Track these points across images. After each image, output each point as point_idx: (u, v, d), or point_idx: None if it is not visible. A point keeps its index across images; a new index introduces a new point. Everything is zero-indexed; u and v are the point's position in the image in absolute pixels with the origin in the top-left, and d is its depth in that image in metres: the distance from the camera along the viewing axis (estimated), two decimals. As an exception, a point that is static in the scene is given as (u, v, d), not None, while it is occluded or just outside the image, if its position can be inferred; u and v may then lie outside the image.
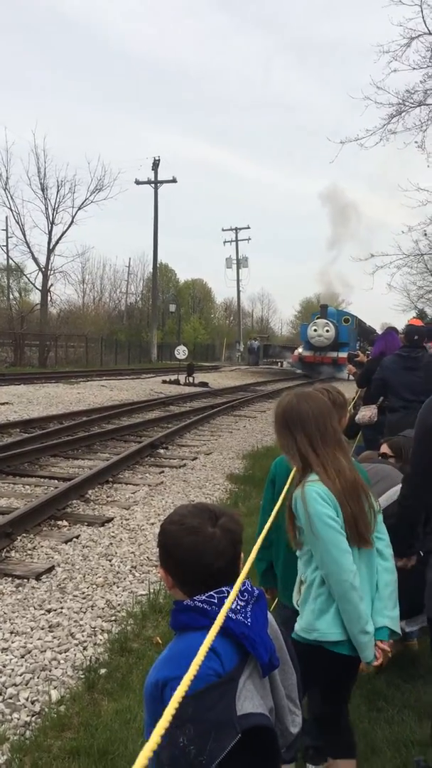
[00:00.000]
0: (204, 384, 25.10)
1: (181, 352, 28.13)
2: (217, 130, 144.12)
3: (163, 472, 8.95)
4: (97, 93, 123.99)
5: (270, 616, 1.61)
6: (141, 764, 0.77)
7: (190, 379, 25.46)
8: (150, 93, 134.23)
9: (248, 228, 60.02)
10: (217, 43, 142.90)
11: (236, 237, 59.41)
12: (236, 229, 59.29)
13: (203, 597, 1.48)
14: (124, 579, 4.98)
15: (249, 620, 1.48)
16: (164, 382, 25.53)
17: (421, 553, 2.80)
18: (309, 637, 2.19)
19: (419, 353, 5.69)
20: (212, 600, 1.47)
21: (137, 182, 44.13)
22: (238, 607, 1.49)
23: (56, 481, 7.94)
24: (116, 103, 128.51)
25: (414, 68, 13.07)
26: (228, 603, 1.36)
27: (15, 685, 3.41)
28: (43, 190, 39.58)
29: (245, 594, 1.52)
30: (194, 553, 1.50)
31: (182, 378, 25.69)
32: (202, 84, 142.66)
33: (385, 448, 3.97)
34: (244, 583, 1.53)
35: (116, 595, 4.66)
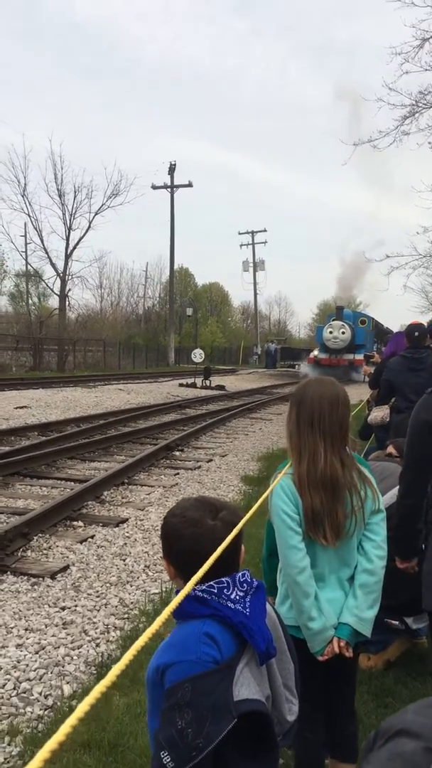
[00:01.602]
0: (221, 387, 25.17)
1: (198, 355, 28.23)
2: (233, 134, 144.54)
3: (178, 473, 9.02)
4: (112, 98, 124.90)
5: (269, 606, 1.66)
6: (83, 710, 0.82)
7: (207, 383, 25.55)
8: (165, 97, 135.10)
9: (265, 231, 60.16)
10: (232, 46, 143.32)
11: (253, 240, 59.53)
12: (253, 233, 59.42)
13: (203, 587, 1.53)
14: (138, 578, 5.05)
15: (248, 610, 1.53)
16: (181, 385, 25.64)
17: (423, 547, 2.81)
18: None
19: (423, 354, 5.68)
20: (212, 590, 1.52)
21: (153, 187, 44.41)
22: (237, 597, 1.54)
23: (72, 482, 8.04)
24: (132, 109, 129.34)
25: (426, 69, 13.01)
26: (198, 574, 1.41)
27: (29, 680, 3.49)
28: (60, 196, 39.93)
29: (244, 585, 1.57)
30: (195, 544, 1.55)
31: (199, 381, 25.78)
32: (218, 88, 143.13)
33: (391, 449, 4.00)
34: (243, 574, 1.59)
35: (129, 594, 4.73)
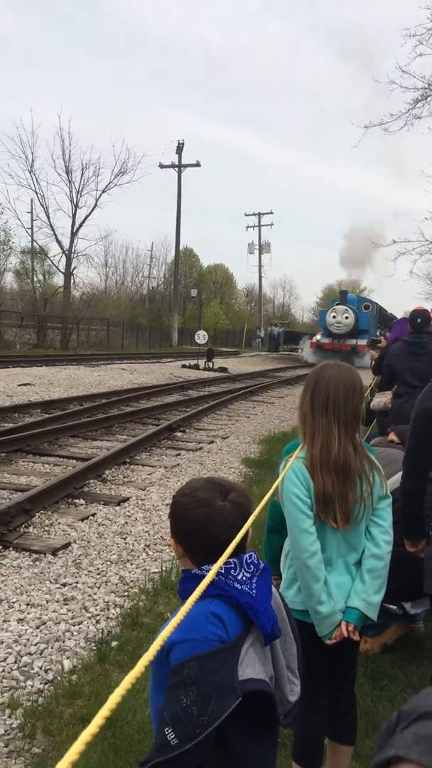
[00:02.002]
0: (223, 369, 25.16)
1: (201, 337, 28.17)
2: (242, 114, 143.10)
3: (179, 454, 9.05)
4: (122, 75, 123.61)
5: (274, 589, 1.67)
6: (117, 697, 0.83)
7: (210, 364, 25.53)
8: (175, 76, 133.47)
9: (271, 213, 59.82)
10: (244, 25, 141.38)
11: (259, 222, 59.16)
12: (259, 215, 59.02)
13: (210, 567, 1.54)
14: (138, 557, 5.08)
15: (254, 591, 1.54)
16: (184, 366, 25.63)
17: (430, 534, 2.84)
18: None
19: (424, 338, 5.72)
20: (219, 570, 1.54)
21: (161, 166, 44.05)
22: (244, 579, 1.55)
23: (75, 461, 8.07)
24: (141, 86, 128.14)
25: (441, 52, 12.82)
26: (217, 565, 1.42)
27: (30, 654, 3.53)
28: (67, 173, 39.74)
29: (251, 566, 1.58)
30: (203, 524, 1.56)
31: (202, 363, 25.75)
32: (228, 67, 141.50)
33: (392, 436, 4.00)
34: (250, 556, 1.60)
35: (129, 572, 4.77)
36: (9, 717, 2.98)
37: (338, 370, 2.33)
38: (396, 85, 13.05)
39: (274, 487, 2.16)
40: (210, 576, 1.39)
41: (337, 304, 32.14)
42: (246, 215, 59.60)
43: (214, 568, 1.41)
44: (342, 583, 2.28)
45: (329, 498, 2.22)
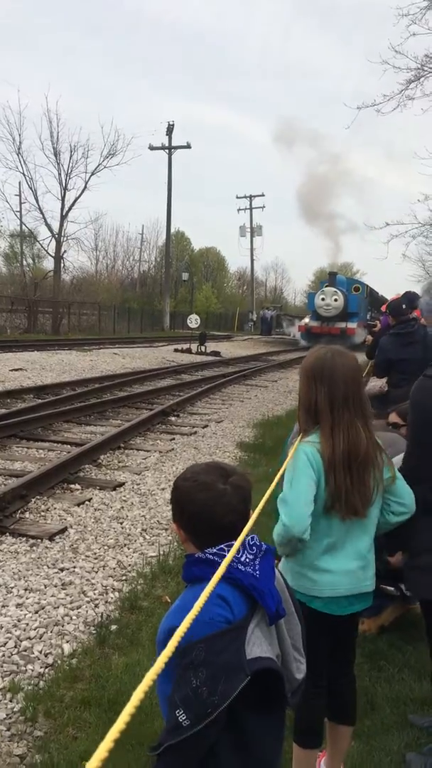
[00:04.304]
0: (216, 353, 25.14)
1: (194, 321, 28.07)
2: (233, 96, 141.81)
3: (174, 439, 9.05)
4: (111, 55, 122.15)
5: (277, 570, 1.68)
6: (139, 695, 0.83)
7: (202, 348, 25.52)
8: (166, 56, 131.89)
9: (263, 195, 59.36)
10: (236, 5, 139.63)
11: (251, 205, 58.77)
12: (251, 197, 58.60)
13: (214, 550, 1.55)
14: (135, 541, 5.10)
15: (257, 572, 1.55)
16: (176, 350, 25.59)
17: None
18: None
19: (414, 327, 5.80)
20: (222, 553, 1.54)
21: (151, 148, 43.59)
22: (247, 560, 1.56)
23: (69, 446, 8.06)
24: (131, 66, 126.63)
25: (434, 32, 12.68)
26: (231, 554, 1.42)
27: (29, 638, 3.54)
28: (55, 154, 39.20)
29: (254, 548, 1.59)
30: (206, 508, 1.57)
31: (194, 347, 25.73)
32: (220, 48, 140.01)
33: (394, 417, 4.01)
34: (252, 538, 1.60)
35: (127, 556, 4.78)
36: (10, 701, 2.99)
37: (344, 358, 2.24)
38: (389, 65, 12.93)
39: (280, 473, 2.14)
40: (221, 569, 1.39)
41: (326, 286, 31.29)
42: (237, 198, 59.20)
43: (226, 560, 1.41)
44: (349, 570, 2.23)
45: (349, 493, 2.15)
